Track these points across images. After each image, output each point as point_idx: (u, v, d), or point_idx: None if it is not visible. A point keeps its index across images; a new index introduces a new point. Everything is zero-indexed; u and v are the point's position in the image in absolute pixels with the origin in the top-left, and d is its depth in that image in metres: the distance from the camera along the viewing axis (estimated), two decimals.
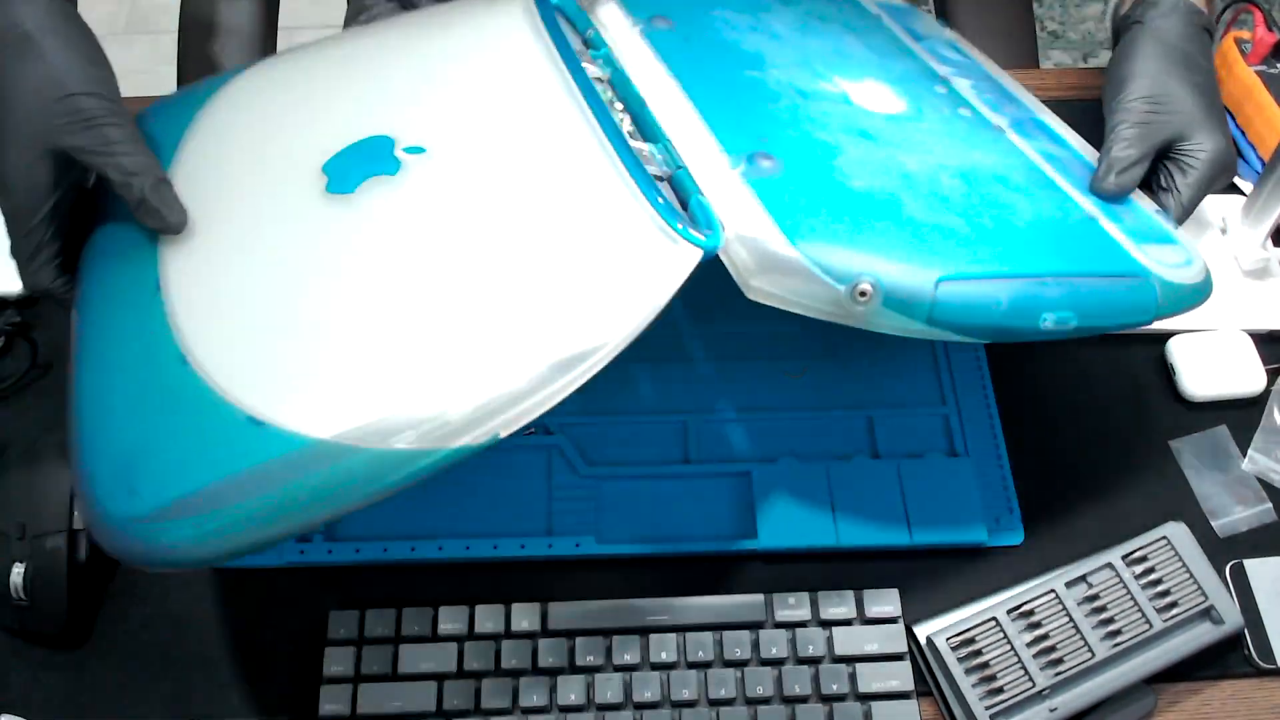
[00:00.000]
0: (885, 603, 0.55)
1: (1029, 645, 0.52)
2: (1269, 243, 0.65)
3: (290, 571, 0.57)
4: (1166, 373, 0.63)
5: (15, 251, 0.48)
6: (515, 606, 0.55)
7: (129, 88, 0.67)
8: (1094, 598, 0.53)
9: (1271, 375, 0.62)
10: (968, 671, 0.52)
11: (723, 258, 0.46)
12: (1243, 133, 0.72)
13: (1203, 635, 0.53)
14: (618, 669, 0.53)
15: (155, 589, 0.57)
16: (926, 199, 0.49)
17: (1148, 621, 0.52)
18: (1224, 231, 0.67)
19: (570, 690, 0.53)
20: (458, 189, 0.47)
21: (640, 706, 0.52)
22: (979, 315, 0.46)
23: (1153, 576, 0.54)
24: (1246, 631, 0.54)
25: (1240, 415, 0.62)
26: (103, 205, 0.50)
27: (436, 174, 0.48)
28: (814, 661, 0.54)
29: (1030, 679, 0.51)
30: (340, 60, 0.56)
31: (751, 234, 0.45)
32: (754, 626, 0.54)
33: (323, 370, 0.42)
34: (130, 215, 0.47)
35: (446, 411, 0.41)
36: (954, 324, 0.46)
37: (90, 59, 0.47)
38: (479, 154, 0.49)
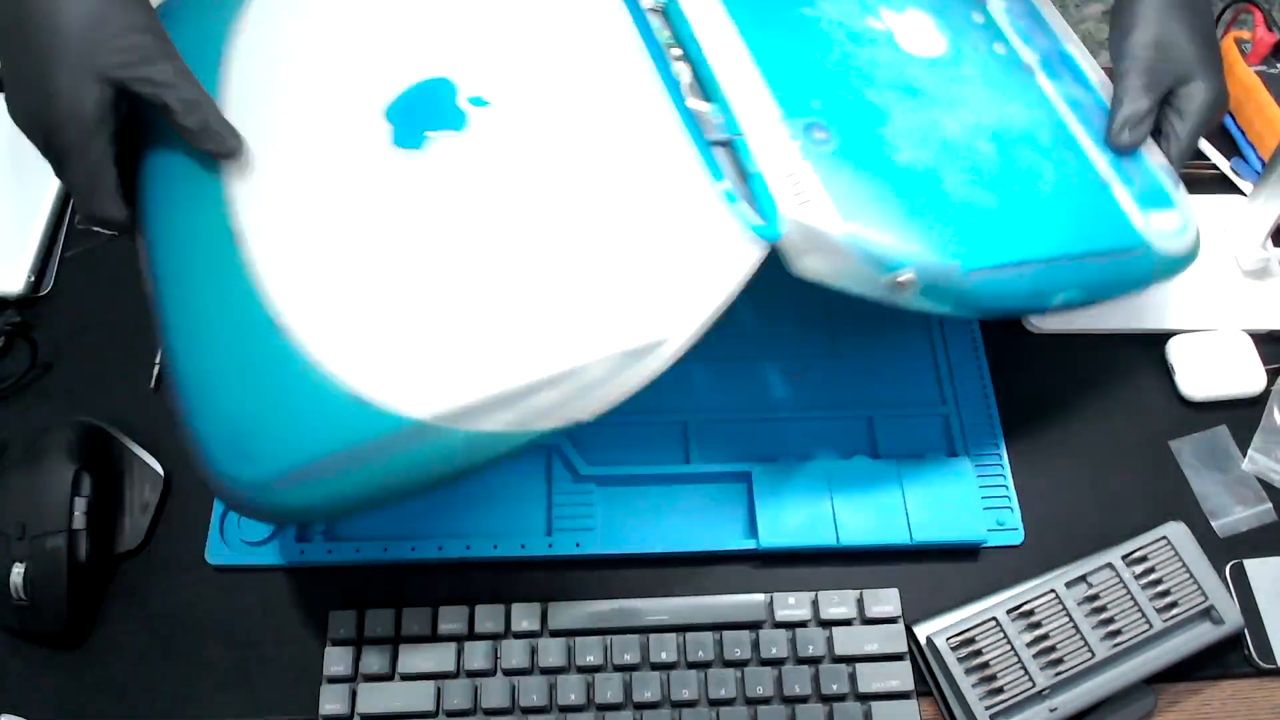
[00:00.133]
0: (885, 603, 0.55)
1: (1029, 645, 0.52)
2: (1269, 243, 0.65)
3: (290, 571, 0.57)
4: (1166, 373, 0.63)
5: (76, 187, 0.47)
6: (515, 606, 0.54)
7: None
8: (1094, 598, 0.53)
9: (1271, 375, 0.62)
10: (968, 671, 0.52)
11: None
12: (1243, 133, 0.72)
13: (1203, 635, 0.53)
14: (618, 669, 0.53)
15: (155, 589, 0.57)
16: (963, 171, 0.51)
17: (1148, 621, 0.52)
18: (1224, 231, 0.67)
19: (570, 690, 0.53)
20: (524, 152, 0.48)
21: (640, 706, 0.52)
22: (1002, 300, 0.49)
23: (1153, 576, 0.54)
24: (1246, 631, 0.54)
25: (1240, 415, 0.62)
26: (148, 133, 0.50)
27: (501, 131, 0.48)
28: (814, 661, 0.54)
29: (1030, 679, 0.51)
30: None
31: (808, 217, 0.46)
32: (754, 626, 0.54)
33: (418, 348, 0.43)
34: (180, 143, 0.48)
35: (534, 397, 0.43)
36: (978, 307, 0.49)
37: None
38: (544, 111, 0.49)
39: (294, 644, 0.55)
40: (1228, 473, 0.60)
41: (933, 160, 0.51)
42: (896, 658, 0.54)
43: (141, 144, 0.50)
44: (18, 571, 0.53)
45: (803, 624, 0.54)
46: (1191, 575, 0.54)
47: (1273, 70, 0.72)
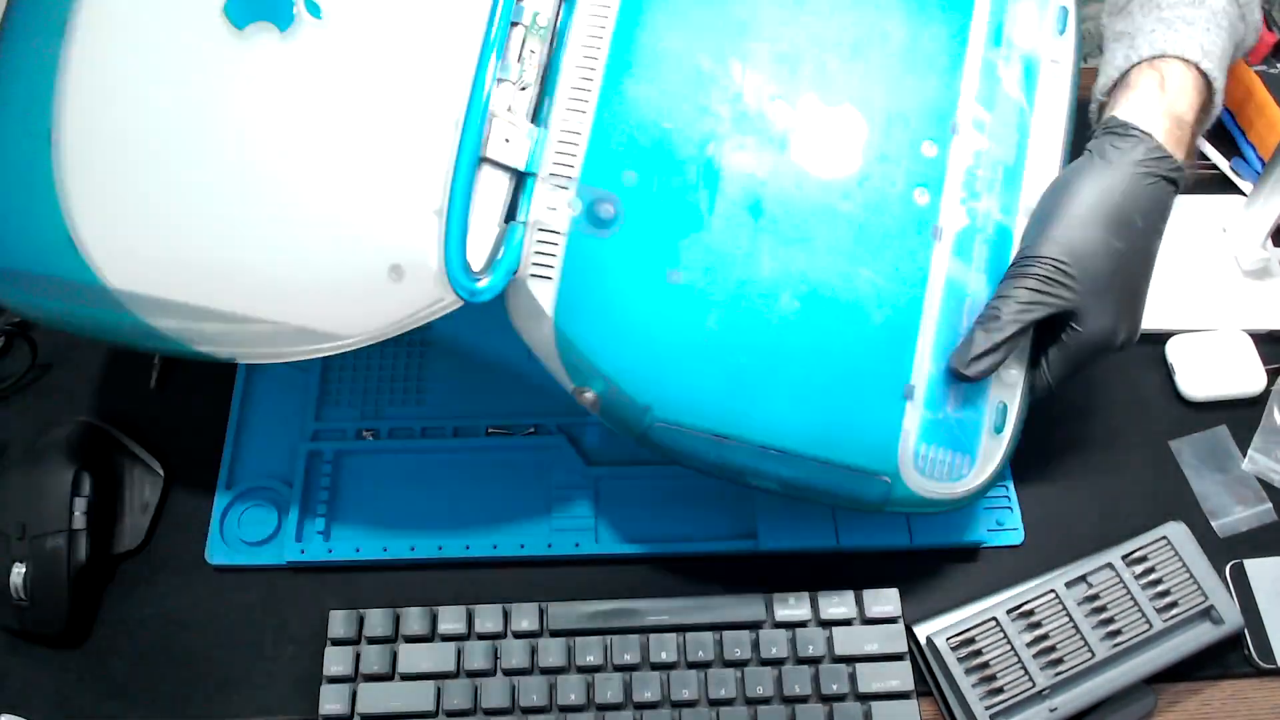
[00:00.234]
0: (885, 603, 0.55)
1: (1029, 645, 0.52)
2: (1269, 243, 0.65)
3: (290, 571, 0.57)
4: (1166, 373, 0.63)
5: None
6: (515, 606, 0.54)
7: None
8: (1094, 598, 0.53)
9: (1271, 375, 0.62)
10: (968, 671, 0.52)
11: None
12: (1243, 133, 0.72)
13: (1203, 635, 0.53)
14: (618, 669, 0.53)
15: (155, 589, 0.57)
16: (733, 322, 0.48)
17: (1148, 621, 0.52)
18: (1224, 231, 0.67)
19: (570, 690, 0.53)
20: (319, 78, 0.47)
21: (640, 706, 0.52)
22: (686, 457, 0.49)
23: (1153, 576, 0.54)
24: (1246, 631, 0.54)
25: (1240, 415, 0.62)
26: None
27: (317, 47, 0.47)
28: (814, 661, 0.54)
29: (1030, 679, 0.51)
30: None
31: (534, 296, 0.47)
32: (754, 626, 0.54)
33: (138, 226, 0.46)
34: None
35: (204, 322, 0.46)
36: (657, 450, 0.49)
37: None
38: (359, 44, 0.47)
39: (294, 644, 0.55)
40: (1228, 473, 0.60)
41: (712, 293, 0.47)
42: (896, 658, 0.54)
43: None
44: (18, 571, 0.53)
45: (803, 624, 0.54)
46: (1191, 575, 0.54)
47: (1273, 70, 0.72)
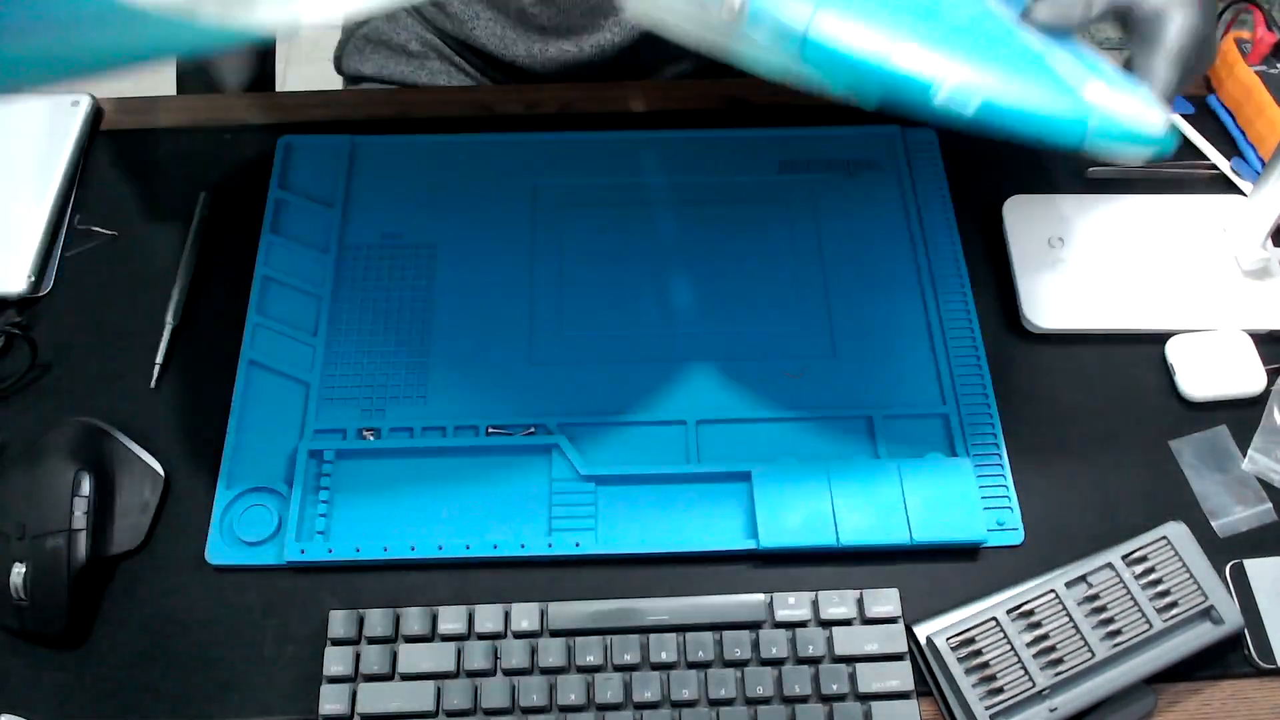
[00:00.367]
0: (885, 603, 0.55)
1: (1029, 645, 0.52)
2: (1269, 243, 0.65)
3: (290, 571, 0.57)
4: (1166, 373, 0.63)
5: None
6: (515, 606, 0.54)
7: (134, 87, 0.68)
8: (1094, 598, 0.53)
9: (1271, 375, 0.62)
10: (968, 671, 0.52)
11: None
12: (1243, 133, 0.72)
13: (1203, 635, 0.53)
14: (618, 669, 0.53)
15: (155, 589, 0.57)
16: None
17: (1148, 621, 0.52)
18: (1224, 231, 0.67)
19: (570, 690, 0.53)
20: None
21: (640, 706, 0.52)
22: (859, 65, 0.41)
23: (1153, 576, 0.54)
24: (1246, 631, 0.54)
25: (1240, 415, 0.62)
26: None
27: None
28: (814, 661, 0.54)
29: (1030, 679, 0.51)
30: None
31: None
32: (754, 626, 0.54)
33: None
34: None
35: None
36: (823, 67, 0.41)
37: None
38: None
39: (294, 644, 0.55)
40: (1228, 473, 0.60)
41: None
42: (896, 658, 0.54)
43: None
44: (18, 571, 0.53)
45: (803, 624, 0.54)
46: (1191, 575, 0.54)
47: (1273, 70, 0.72)
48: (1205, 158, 0.71)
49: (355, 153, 0.71)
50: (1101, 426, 0.62)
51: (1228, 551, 0.57)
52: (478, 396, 0.62)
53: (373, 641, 0.54)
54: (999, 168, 0.71)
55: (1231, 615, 0.53)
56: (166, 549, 0.58)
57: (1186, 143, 0.72)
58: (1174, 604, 0.53)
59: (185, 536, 0.58)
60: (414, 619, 0.54)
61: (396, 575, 0.57)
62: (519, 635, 0.54)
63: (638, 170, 0.71)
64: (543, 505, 0.58)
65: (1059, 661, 0.52)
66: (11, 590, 0.53)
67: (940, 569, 0.57)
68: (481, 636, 0.54)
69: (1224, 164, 0.71)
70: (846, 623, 0.55)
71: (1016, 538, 0.58)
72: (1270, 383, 0.62)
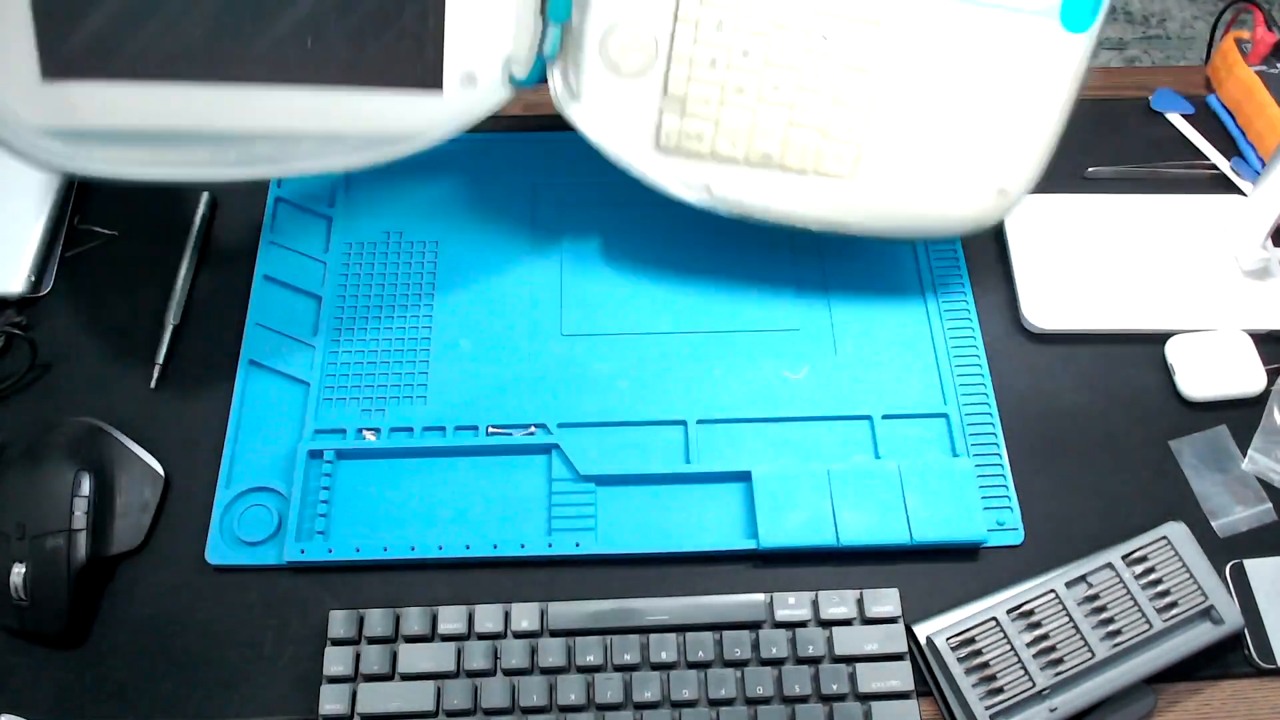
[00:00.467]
0: (885, 603, 0.55)
1: (1029, 645, 0.52)
2: (1269, 243, 0.65)
3: (290, 571, 0.57)
4: (1166, 373, 0.63)
5: None
6: (515, 606, 0.54)
7: None
8: (1094, 598, 0.53)
9: (1271, 375, 0.62)
10: (968, 671, 0.52)
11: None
12: (1243, 133, 0.72)
13: (1203, 635, 0.53)
14: (618, 669, 0.53)
15: (155, 589, 0.57)
16: None
17: (1148, 621, 0.52)
18: (1224, 231, 0.67)
19: (570, 690, 0.53)
20: None
21: (640, 706, 0.52)
22: None
23: (1153, 576, 0.54)
24: (1246, 631, 0.54)
25: (1240, 415, 0.62)
26: None
27: None
28: (814, 661, 0.54)
29: (1030, 679, 0.51)
30: None
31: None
32: (754, 626, 0.54)
33: None
34: None
35: None
36: None
37: None
38: None
39: (294, 644, 0.55)
40: (1228, 473, 0.60)
41: None
42: (896, 658, 0.54)
43: None
44: (18, 571, 0.53)
45: (803, 624, 0.54)
46: (1191, 575, 0.54)
47: (1273, 70, 0.72)
48: (1205, 158, 0.71)
49: None
50: (1101, 426, 0.62)
51: (1228, 551, 0.57)
52: (478, 396, 0.62)
53: (373, 641, 0.54)
54: None
55: (1231, 615, 0.53)
56: (166, 549, 0.58)
57: (1186, 143, 0.72)
58: (1174, 604, 0.53)
59: (185, 536, 0.58)
60: (414, 619, 0.54)
61: (396, 575, 0.57)
62: (519, 635, 0.54)
63: None
64: (543, 505, 0.58)
65: (1059, 661, 0.52)
66: (11, 590, 0.53)
67: (940, 569, 0.57)
68: (481, 636, 0.54)
69: (1224, 164, 0.71)
70: (846, 623, 0.55)
71: (1016, 538, 0.58)
72: (1270, 383, 0.62)
